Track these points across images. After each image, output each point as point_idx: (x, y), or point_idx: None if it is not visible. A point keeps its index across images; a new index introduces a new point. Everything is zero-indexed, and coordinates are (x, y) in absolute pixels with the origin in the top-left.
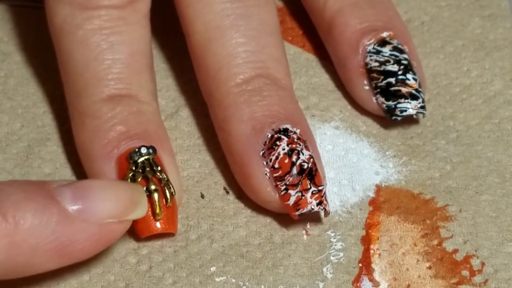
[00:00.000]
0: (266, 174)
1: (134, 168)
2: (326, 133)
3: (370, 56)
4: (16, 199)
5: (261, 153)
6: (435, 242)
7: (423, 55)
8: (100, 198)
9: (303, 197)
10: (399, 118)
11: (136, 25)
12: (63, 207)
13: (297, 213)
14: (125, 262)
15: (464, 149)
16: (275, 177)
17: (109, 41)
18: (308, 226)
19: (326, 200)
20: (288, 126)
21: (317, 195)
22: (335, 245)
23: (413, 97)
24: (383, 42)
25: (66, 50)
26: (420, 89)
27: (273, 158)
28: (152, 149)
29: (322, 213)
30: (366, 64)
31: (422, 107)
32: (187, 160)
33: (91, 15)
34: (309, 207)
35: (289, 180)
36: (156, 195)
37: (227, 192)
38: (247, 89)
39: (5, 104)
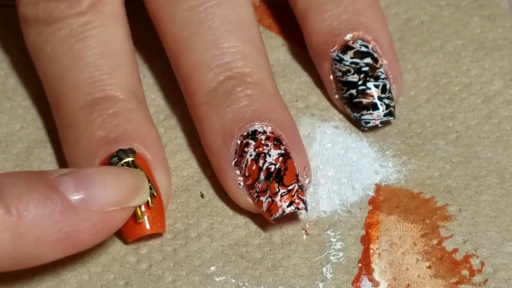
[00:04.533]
0: (240, 184)
1: None
2: (326, 132)
3: (335, 64)
4: (18, 191)
5: (233, 163)
6: (435, 241)
7: (422, 54)
8: (101, 185)
9: (273, 202)
10: (366, 129)
11: (102, 27)
12: (65, 197)
13: (272, 218)
14: (125, 261)
15: (463, 150)
16: (248, 185)
17: (74, 49)
18: (308, 226)
19: (299, 197)
20: (256, 127)
21: (286, 196)
22: (335, 245)
23: (375, 107)
24: (345, 48)
25: (40, 68)
26: (382, 95)
27: (243, 166)
28: (130, 151)
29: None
30: (333, 72)
31: (387, 114)
32: (187, 160)
33: (55, 28)
34: (280, 211)
35: (258, 187)
36: None
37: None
38: (217, 95)
39: (5, 104)
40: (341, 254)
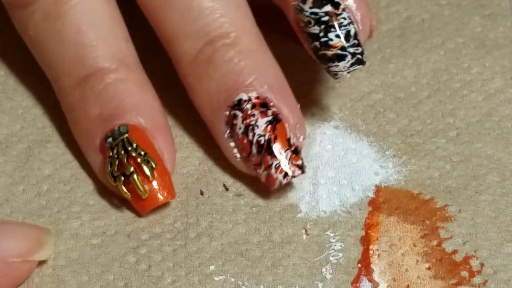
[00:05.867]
0: (236, 156)
1: (110, 154)
2: (326, 133)
3: (298, 14)
4: None
5: (226, 135)
6: (435, 242)
7: (423, 50)
8: (4, 237)
9: (269, 175)
10: (338, 79)
11: None
12: None
13: (272, 189)
14: (124, 261)
15: (464, 148)
16: (243, 157)
17: (54, 30)
18: (308, 226)
19: (293, 164)
20: (241, 96)
21: (280, 168)
22: (335, 245)
23: (340, 58)
24: None
25: (32, 52)
26: (347, 44)
27: (236, 139)
28: (123, 128)
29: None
30: (298, 21)
31: (354, 63)
32: (187, 158)
33: (32, 10)
34: (277, 183)
35: (252, 160)
36: (135, 177)
37: (227, 189)
38: (198, 65)
39: (5, 104)
40: (340, 254)
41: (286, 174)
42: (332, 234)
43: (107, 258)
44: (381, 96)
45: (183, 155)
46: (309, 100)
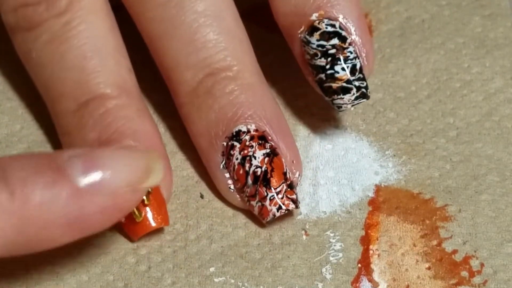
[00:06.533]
0: (230, 187)
1: None
2: (326, 132)
3: (304, 46)
4: (25, 175)
5: (221, 166)
6: (435, 242)
7: (423, 50)
8: (112, 168)
9: (263, 206)
10: (341, 112)
11: (83, 24)
12: (73, 181)
13: (264, 222)
14: (124, 262)
15: (464, 148)
16: (238, 189)
17: (58, 54)
18: (307, 226)
19: (288, 197)
20: (240, 127)
21: (275, 200)
22: (334, 245)
23: (345, 90)
24: (312, 29)
25: (31, 75)
26: (352, 77)
27: (231, 169)
28: None
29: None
30: (303, 54)
31: (359, 97)
32: (187, 160)
33: (37, 34)
34: (271, 216)
35: (247, 191)
36: None
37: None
38: (198, 95)
39: (5, 104)
40: (340, 254)
41: (280, 207)
42: (332, 234)
43: (106, 259)
44: (381, 95)
45: (184, 157)
46: (309, 100)
